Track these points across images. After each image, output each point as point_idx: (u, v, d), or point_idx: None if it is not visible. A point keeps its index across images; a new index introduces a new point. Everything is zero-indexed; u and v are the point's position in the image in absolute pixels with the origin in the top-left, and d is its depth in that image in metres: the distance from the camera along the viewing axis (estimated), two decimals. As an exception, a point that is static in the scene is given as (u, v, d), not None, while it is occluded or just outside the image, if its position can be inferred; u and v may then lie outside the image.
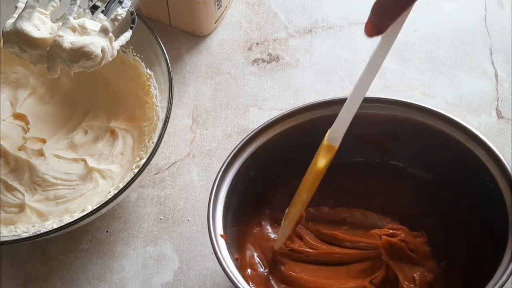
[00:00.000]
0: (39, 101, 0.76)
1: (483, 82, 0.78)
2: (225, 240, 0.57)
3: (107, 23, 0.63)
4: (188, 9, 0.81)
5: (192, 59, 0.83)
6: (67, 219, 0.65)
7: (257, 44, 0.84)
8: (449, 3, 0.86)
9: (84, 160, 0.71)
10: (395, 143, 0.65)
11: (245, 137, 0.62)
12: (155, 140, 0.66)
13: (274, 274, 0.61)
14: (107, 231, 0.69)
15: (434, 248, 0.61)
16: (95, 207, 0.62)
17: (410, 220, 0.63)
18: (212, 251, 0.66)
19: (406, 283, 0.58)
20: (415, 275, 0.59)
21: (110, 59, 0.65)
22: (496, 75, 0.79)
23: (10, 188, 0.69)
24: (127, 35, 0.67)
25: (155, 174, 0.73)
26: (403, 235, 0.61)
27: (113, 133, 0.73)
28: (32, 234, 0.63)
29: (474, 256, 0.60)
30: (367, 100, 0.62)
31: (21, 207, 0.68)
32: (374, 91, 0.77)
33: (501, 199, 0.56)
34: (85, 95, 0.76)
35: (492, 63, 0.80)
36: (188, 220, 0.70)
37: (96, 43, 0.62)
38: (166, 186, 0.72)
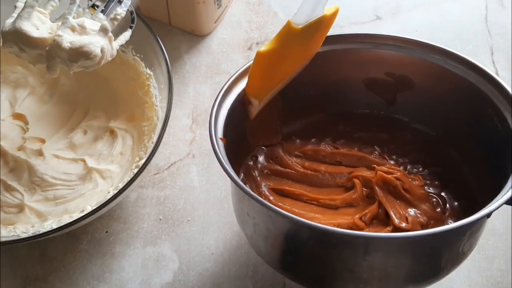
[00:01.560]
0: (39, 101, 0.76)
1: (484, 82, 0.78)
2: (223, 144, 0.56)
3: (106, 23, 0.63)
4: (187, 8, 0.81)
5: (192, 58, 0.83)
6: (67, 219, 0.65)
7: (257, 43, 0.84)
8: (449, 3, 0.86)
9: (84, 160, 0.71)
10: (404, 89, 0.64)
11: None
12: (154, 140, 0.66)
13: None
14: (106, 232, 0.69)
15: (431, 195, 0.61)
16: (95, 208, 0.62)
17: (409, 167, 0.63)
18: (212, 252, 0.67)
19: (397, 221, 0.57)
20: (407, 215, 0.58)
21: (109, 58, 0.64)
22: (497, 75, 0.78)
23: (9, 188, 0.68)
24: (126, 34, 0.67)
25: (154, 174, 0.73)
26: (399, 174, 0.61)
27: (112, 133, 0.73)
28: (31, 235, 0.63)
29: (473, 204, 0.59)
30: (383, 38, 0.63)
31: (20, 207, 0.67)
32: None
33: (510, 140, 0.55)
34: (85, 94, 0.76)
35: (493, 62, 0.80)
36: (188, 220, 0.70)
37: (95, 42, 0.62)
38: (165, 186, 0.72)
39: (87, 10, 0.65)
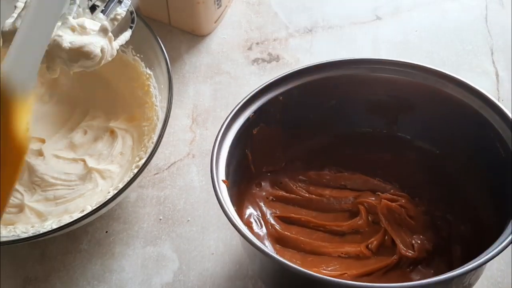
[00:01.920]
0: (39, 101, 0.76)
1: (484, 82, 0.78)
2: (226, 186, 0.56)
3: (106, 23, 0.63)
4: (187, 8, 0.81)
5: (192, 58, 0.83)
6: (67, 219, 0.65)
7: (257, 43, 0.83)
8: (449, 3, 0.86)
9: (84, 160, 0.71)
10: (405, 111, 0.64)
11: (255, 89, 0.61)
12: (154, 140, 0.66)
13: (269, 233, 0.61)
14: (106, 232, 0.69)
15: (436, 219, 0.61)
16: (95, 208, 0.62)
17: (413, 190, 0.63)
18: (212, 252, 0.67)
19: (404, 249, 0.58)
20: (413, 242, 0.58)
21: (109, 59, 0.64)
22: (497, 75, 0.79)
23: (9, 188, 0.68)
24: (126, 34, 0.67)
25: (154, 174, 0.73)
26: (403, 201, 0.61)
27: (112, 133, 0.73)
28: (32, 235, 0.63)
29: (477, 227, 0.59)
30: (380, 62, 0.62)
31: (20, 207, 0.67)
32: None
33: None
34: (85, 95, 0.76)
35: (493, 62, 0.80)
36: (188, 220, 0.70)
37: (95, 43, 0.62)
38: (165, 186, 0.72)
39: (87, 10, 0.65)
